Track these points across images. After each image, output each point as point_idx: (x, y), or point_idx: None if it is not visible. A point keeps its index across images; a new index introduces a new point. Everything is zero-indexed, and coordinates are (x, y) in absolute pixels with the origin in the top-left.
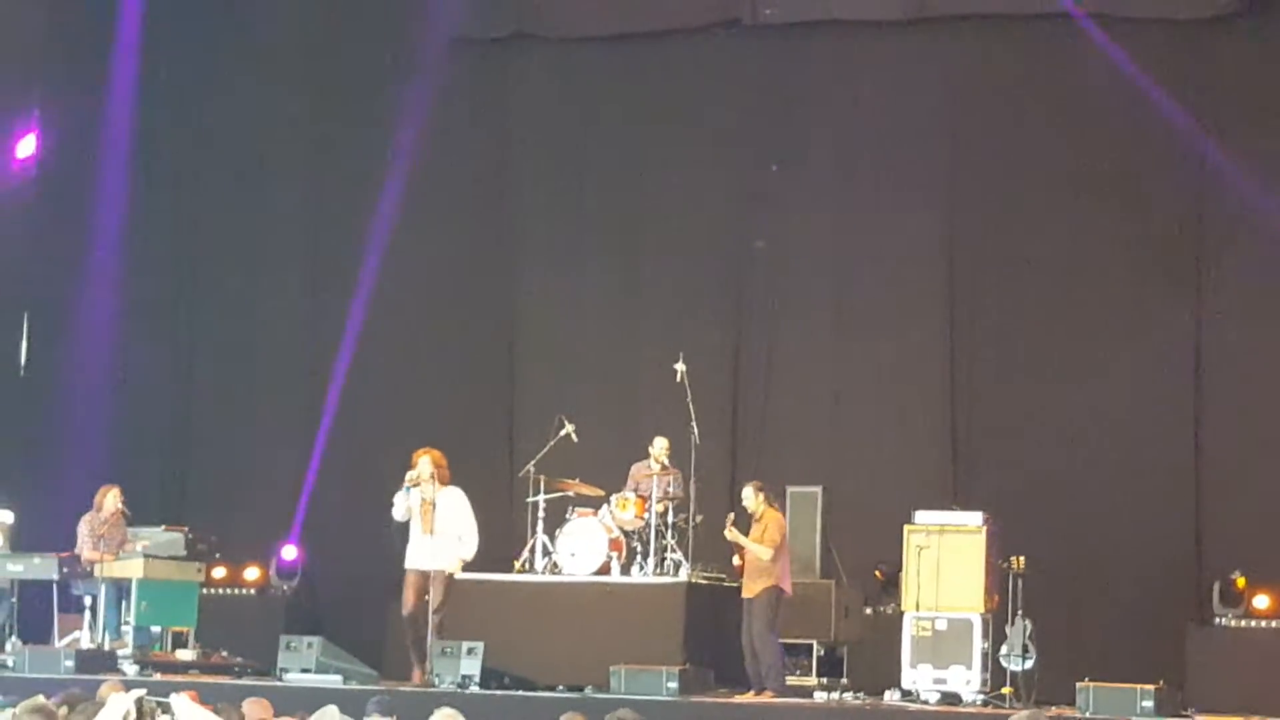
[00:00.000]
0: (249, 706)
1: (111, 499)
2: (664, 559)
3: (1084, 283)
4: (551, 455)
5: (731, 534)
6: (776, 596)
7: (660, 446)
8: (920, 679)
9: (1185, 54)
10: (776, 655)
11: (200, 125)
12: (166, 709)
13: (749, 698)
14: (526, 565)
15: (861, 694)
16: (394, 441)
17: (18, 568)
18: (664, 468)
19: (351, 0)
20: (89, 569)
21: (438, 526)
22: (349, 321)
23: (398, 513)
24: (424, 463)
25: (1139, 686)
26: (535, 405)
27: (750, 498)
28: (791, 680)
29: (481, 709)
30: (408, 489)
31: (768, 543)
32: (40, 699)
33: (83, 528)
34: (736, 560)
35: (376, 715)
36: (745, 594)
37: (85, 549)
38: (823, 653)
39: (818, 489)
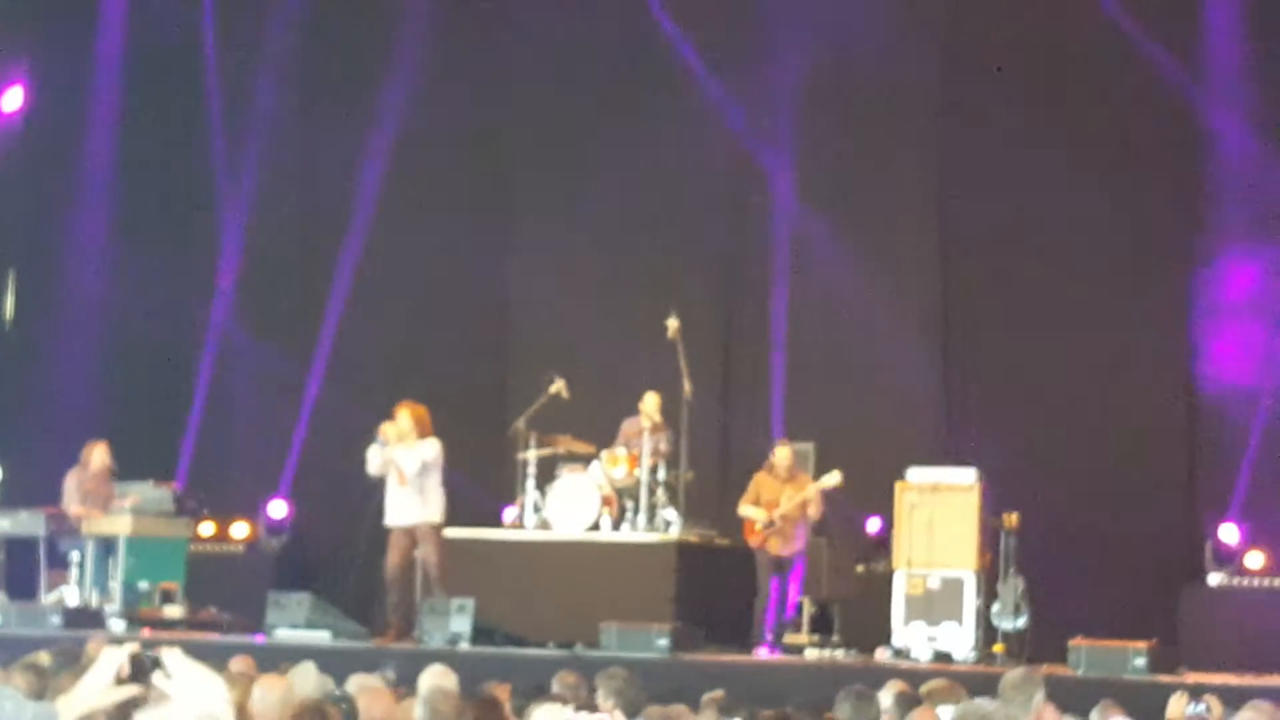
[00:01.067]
0: (234, 663)
1: (99, 455)
2: (655, 516)
3: (1078, 238)
4: (542, 411)
5: (785, 499)
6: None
7: (651, 403)
8: (912, 636)
9: (1181, 13)
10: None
11: (189, 78)
12: (160, 664)
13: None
14: (517, 522)
15: (853, 651)
16: (384, 398)
17: (4, 523)
18: (655, 425)
19: None
20: (76, 525)
21: (412, 475)
22: (340, 276)
23: (371, 467)
24: (402, 415)
25: (1131, 645)
26: (526, 362)
27: (787, 457)
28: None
29: (471, 666)
30: (381, 443)
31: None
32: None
33: (69, 483)
34: (763, 517)
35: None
36: (781, 551)
37: (72, 505)
38: (815, 610)
39: (810, 445)
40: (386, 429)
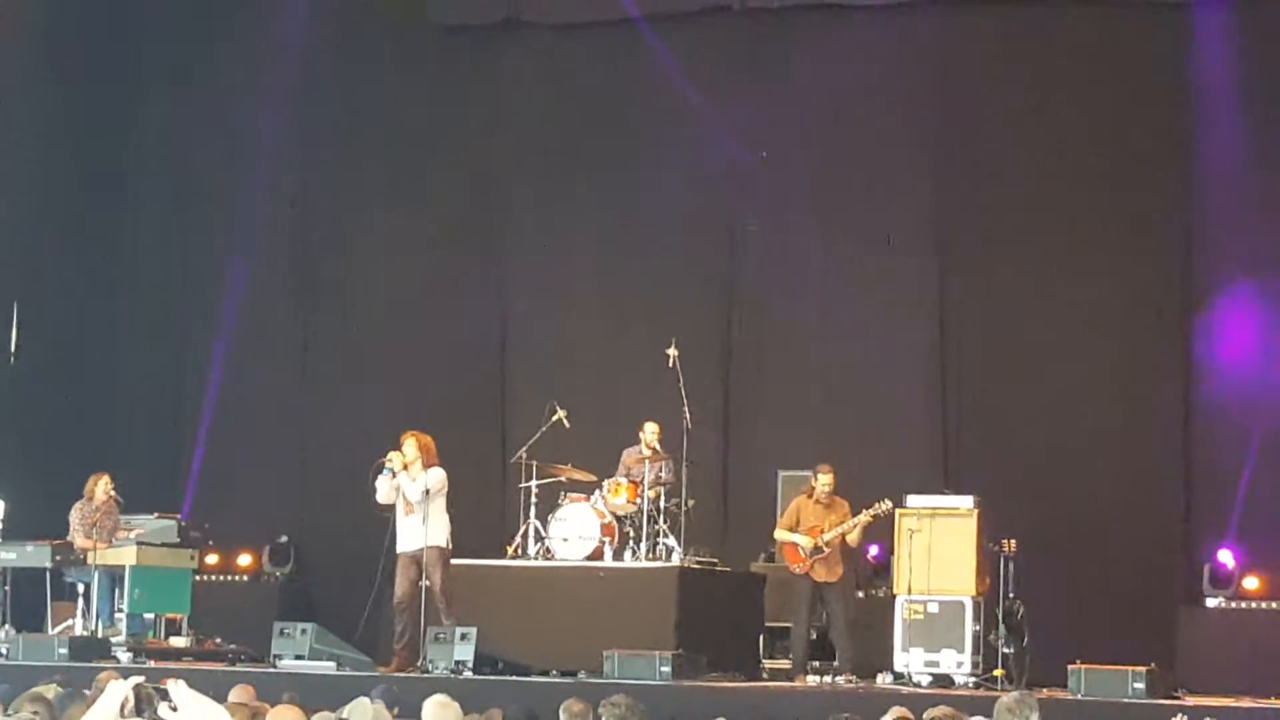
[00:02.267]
0: (234, 693)
1: (102, 487)
2: (656, 544)
3: (1073, 264)
4: (543, 441)
5: (829, 529)
6: (852, 584)
7: (650, 431)
8: (912, 662)
9: (1167, 31)
10: (852, 641)
11: (188, 106)
12: (164, 695)
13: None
14: (519, 551)
15: (854, 677)
16: (386, 428)
17: (10, 555)
18: (655, 453)
19: None
20: (82, 556)
21: (417, 502)
22: (341, 305)
23: (380, 495)
24: (409, 444)
25: (1130, 668)
26: (527, 391)
27: (829, 483)
28: (783, 664)
29: (475, 694)
30: (389, 471)
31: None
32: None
33: (74, 516)
34: (808, 544)
35: (379, 702)
36: (825, 578)
37: (77, 537)
38: (814, 636)
39: (809, 473)
40: (394, 458)
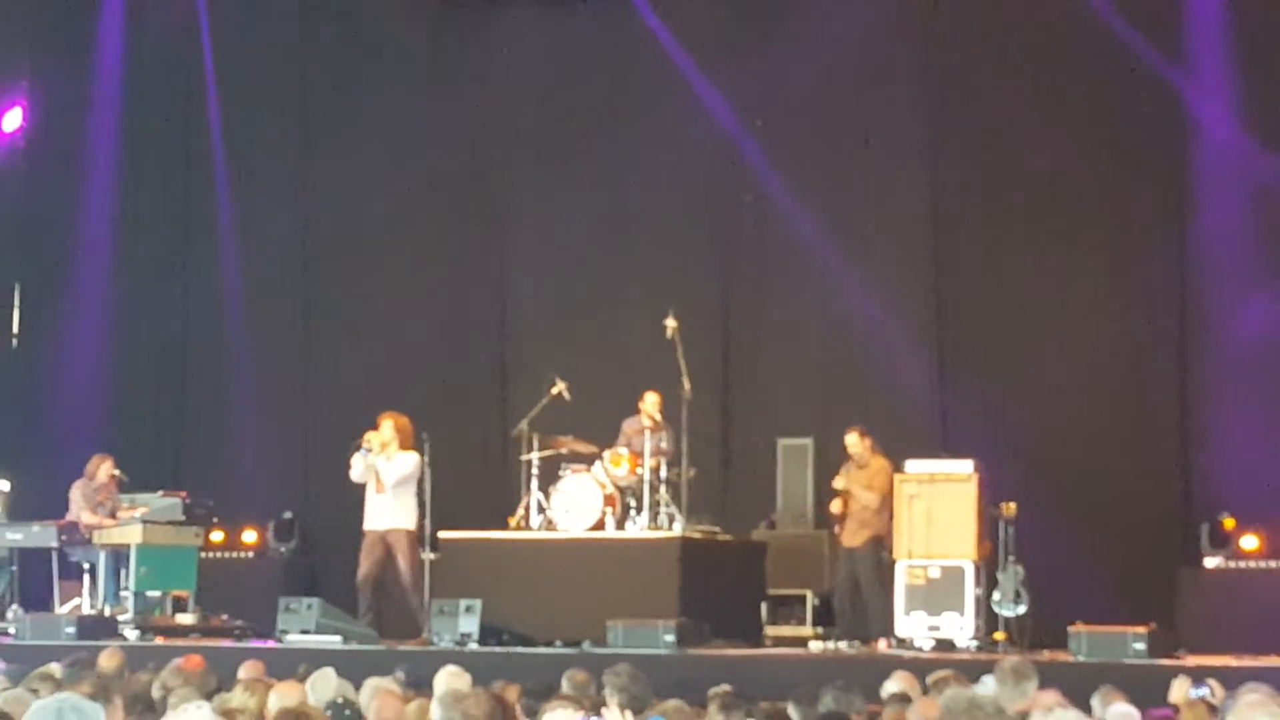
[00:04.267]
0: (244, 669)
1: (105, 469)
2: (658, 514)
3: (1069, 228)
4: (544, 413)
5: (843, 480)
6: (879, 548)
7: (650, 402)
8: (914, 626)
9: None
10: (887, 604)
11: (189, 93)
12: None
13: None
14: (522, 523)
15: (856, 642)
16: (389, 403)
17: (17, 536)
18: (655, 423)
19: None
20: (88, 536)
21: (390, 486)
22: (342, 281)
23: (354, 474)
24: (386, 425)
25: (1130, 629)
26: (527, 364)
27: (856, 444)
28: (786, 631)
29: (480, 666)
30: (365, 450)
31: (876, 490)
32: (51, 667)
33: (75, 494)
34: (836, 507)
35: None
36: (847, 543)
37: (82, 515)
38: (817, 602)
39: (809, 440)
40: (370, 437)
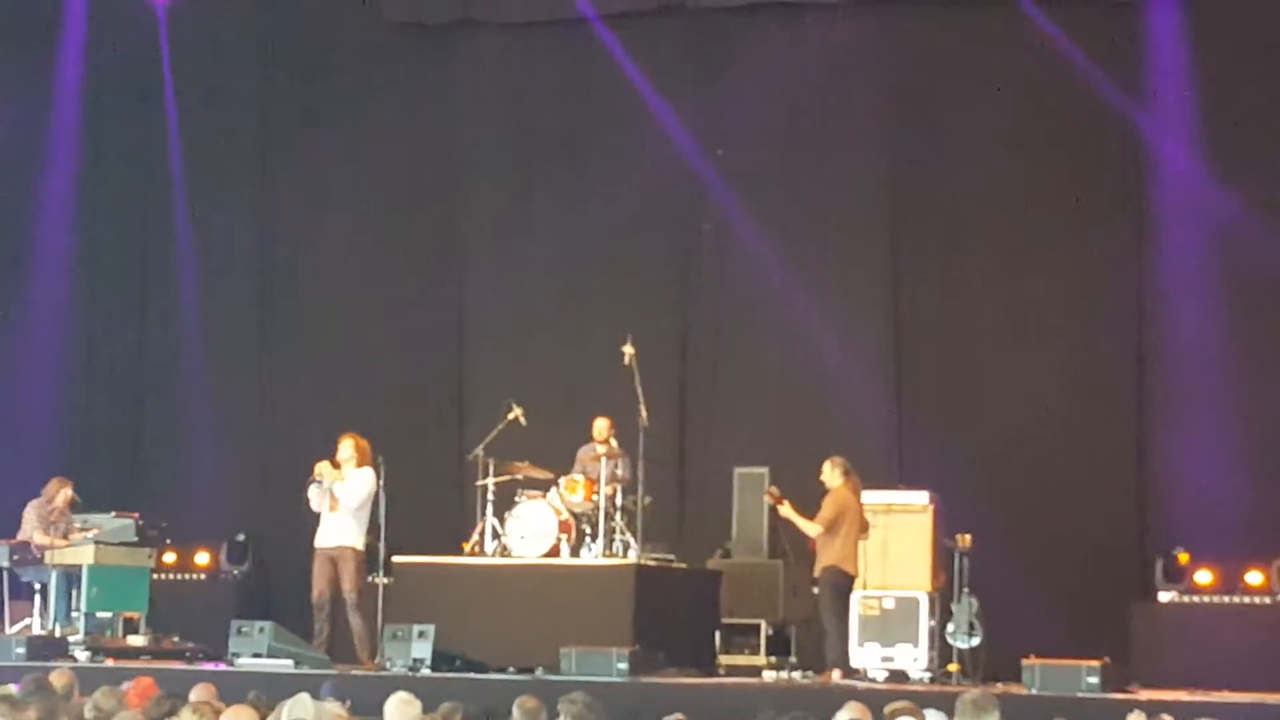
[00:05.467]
0: (195, 692)
1: (64, 495)
2: (613, 541)
3: (1026, 261)
4: (500, 439)
5: (784, 511)
6: (835, 577)
7: (599, 427)
8: (868, 657)
9: (1119, 32)
10: (837, 637)
11: (148, 115)
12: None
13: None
14: (476, 548)
15: (810, 673)
16: (344, 425)
17: None
18: (611, 450)
19: None
20: (39, 556)
21: (342, 504)
22: (300, 303)
23: (313, 504)
24: (345, 444)
25: (1084, 663)
26: (484, 389)
27: (825, 473)
28: (740, 660)
29: (433, 692)
30: (317, 482)
31: (818, 520)
32: (8, 687)
33: (29, 513)
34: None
35: (331, 699)
36: (815, 572)
37: (35, 535)
38: (771, 632)
39: (764, 470)
40: (321, 468)
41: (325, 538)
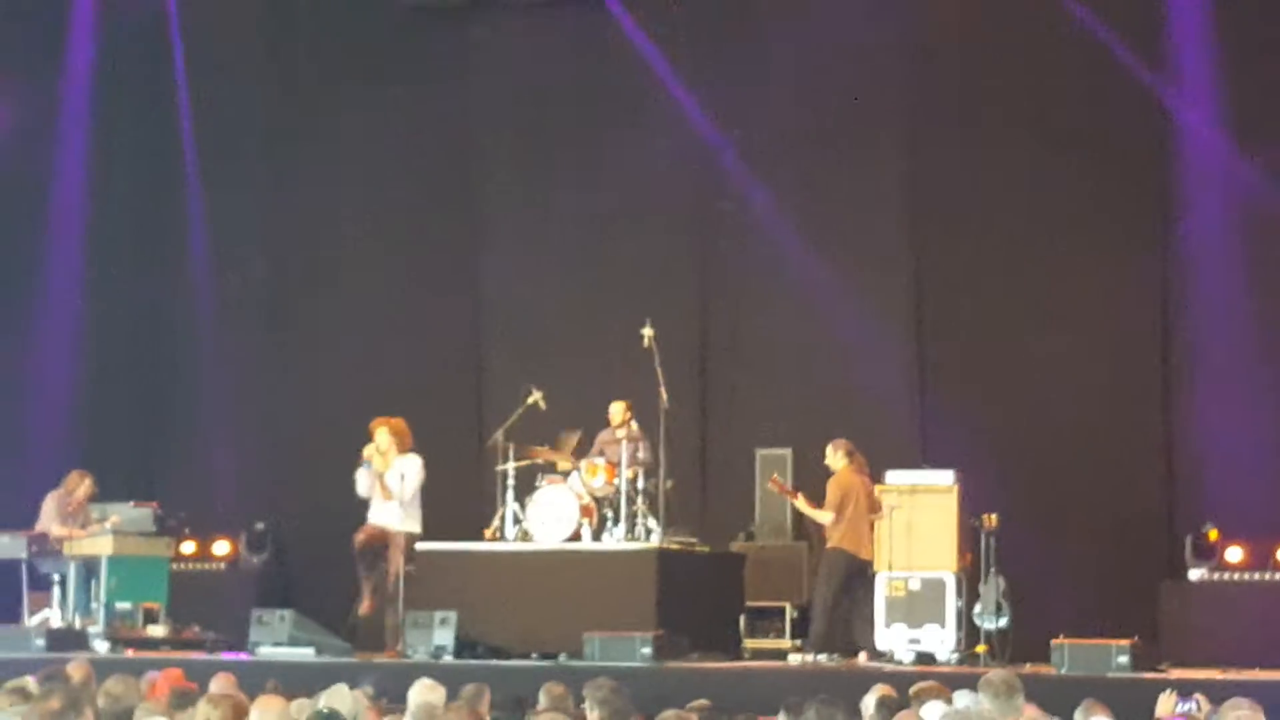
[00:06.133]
0: (215, 683)
1: (85, 488)
2: (635, 525)
3: (1051, 237)
4: (520, 423)
5: (799, 504)
6: (842, 558)
7: (615, 411)
8: (894, 639)
9: (1141, 3)
10: (824, 617)
11: (160, 98)
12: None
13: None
14: (497, 534)
15: (835, 655)
16: (363, 412)
17: None
18: (631, 433)
19: None
20: (57, 547)
21: (395, 492)
22: (316, 289)
23: (360, 489)
24: (380, 433)
25: (1113, 642)
26: (503, 374)
27: (829, 455)
28: (765, 643)
29: (455, 679)
30: (366, 464)
31: (826, 506)
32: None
33: (48, 504)
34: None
35: (369, 688)
36: None
37: (53, 526)
38: (796, 615)
39: (787, 451)
40: (370, 452)
41: (379, 518)
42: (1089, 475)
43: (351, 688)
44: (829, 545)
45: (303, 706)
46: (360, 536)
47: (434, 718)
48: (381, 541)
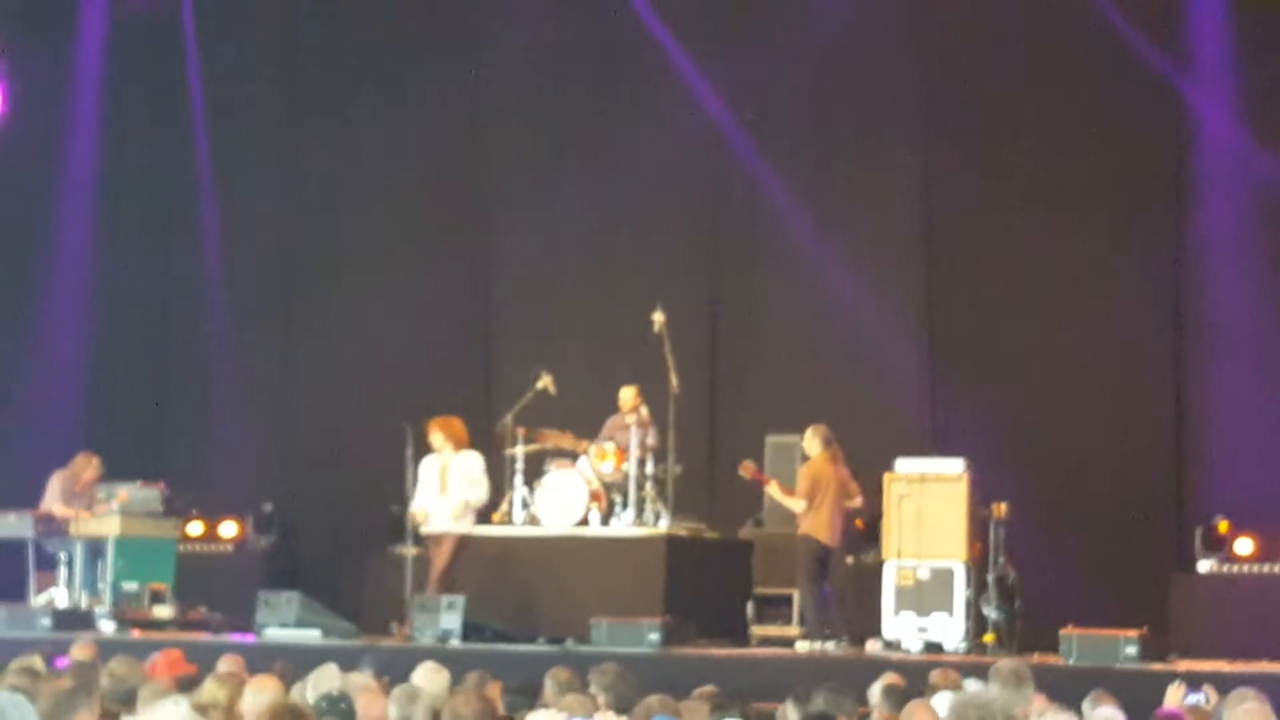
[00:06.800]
0: (222, 663)
1: (92, 469)
2: (644, 511)
3: (1066, 227)
4: (529, 407)
5: (770, 490)
6: (809, 545)
7: (625, 396)
8: (903, 627)
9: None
10: (811, 604)
11: (172, 79)
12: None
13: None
14: (506, 518)
15: (844, 643)
16: (371, 395)
17: None
18: (641, 419)
19: None
20: (64, 527)
21: (450, 489)
22: (324, 274)
23: (423, 479)
24: (434, 435)
25: (1122, 633)
26: (512, 357)
27: (806, 440)
28: (772, 630)
29: (462, 663)
30: (436, 454)
31: (797, 494)
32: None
33: (54, 483)
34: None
35: (369, 669)
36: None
37: (55, 504)
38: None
39: (797, 438)
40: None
41: (433, 521)
42: (1099, 466)
43: (350, 669)
44: (800, 532)
45: (266, 684)
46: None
47: (415, 698)
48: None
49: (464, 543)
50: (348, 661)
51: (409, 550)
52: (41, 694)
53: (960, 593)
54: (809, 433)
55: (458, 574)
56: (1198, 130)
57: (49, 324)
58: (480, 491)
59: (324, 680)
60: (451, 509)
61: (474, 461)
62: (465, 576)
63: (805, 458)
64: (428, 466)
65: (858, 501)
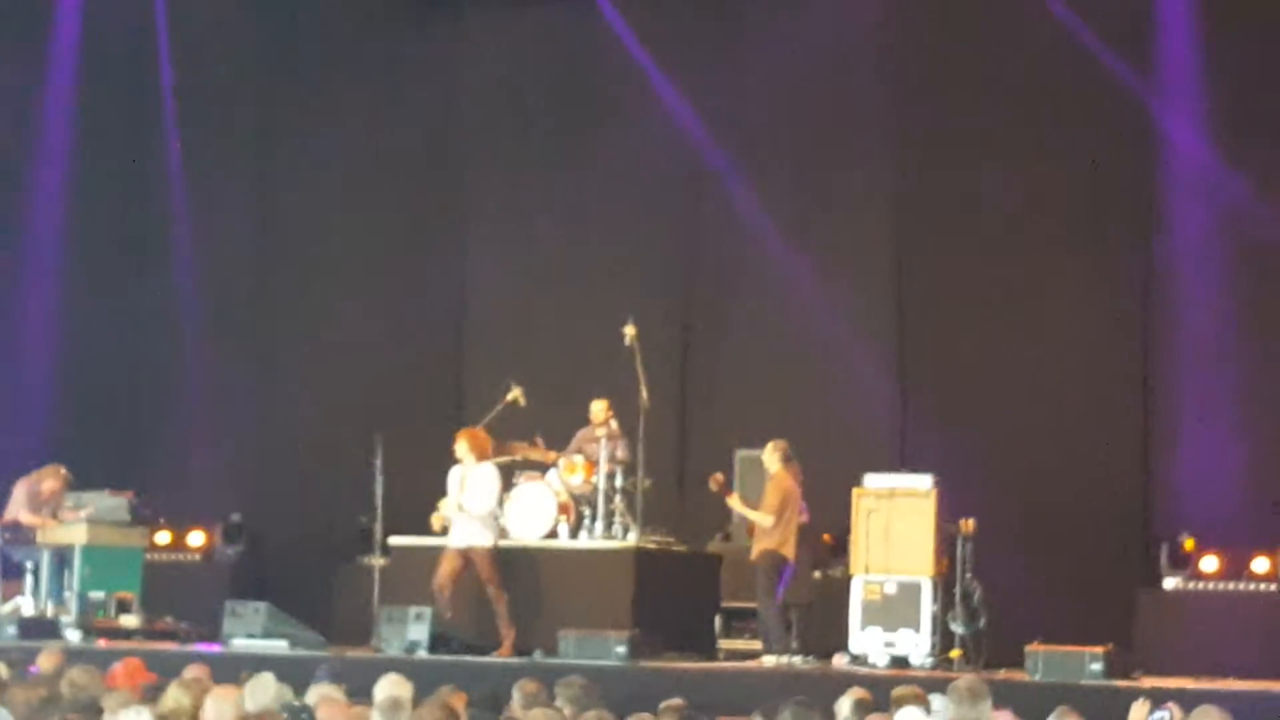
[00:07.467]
0: (187, 672)
1: (53, 482)
2: (612, 523)
3: (1035, 244)
4: (499, 419)
5: (733, 503)
6: (774, 561)
7: (596, 409)
8: (869, 642)
9: (1129, 10)
10: (774, 620)
11: (145, 87)
12: None
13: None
14: None
15: (810, 657)
16: (342, 405)
17: None
18: (611, 432)
19: None
20: (31, 535)
21: (467, 503)
22: (295, 283)
23: (449, 487)
24: (460, 445)
25: (1088, 649)
26: (483, 369)
27: (766, 455)
28: (740, 644)
29: (429, 674)
30: (459, 463)
31: (765, 509)
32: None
33: (19, 491)
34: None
35: (325, 682)
36: (752, 555)
37: (21, 513)
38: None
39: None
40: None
41: (455, 536)
42: (1066, 483)
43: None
44: (764, 547)
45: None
46: (440, 575)
47: (401, 710)
48: (458, 577)
49: (495, 554)
50: (304, 672)
51: (377, 560)
52: (14, 701)
53: (927, 608)
54: (769, 448)
55: (463, 585)
56: (1166, 149)
57: (18, 332)
58: (478, 504)
59: (259, 691)
60: (468, 521)
61: (484, 474)
62: (432, 587)
63: (765, 471)
64: (452, 477)
65: (804, 518)
